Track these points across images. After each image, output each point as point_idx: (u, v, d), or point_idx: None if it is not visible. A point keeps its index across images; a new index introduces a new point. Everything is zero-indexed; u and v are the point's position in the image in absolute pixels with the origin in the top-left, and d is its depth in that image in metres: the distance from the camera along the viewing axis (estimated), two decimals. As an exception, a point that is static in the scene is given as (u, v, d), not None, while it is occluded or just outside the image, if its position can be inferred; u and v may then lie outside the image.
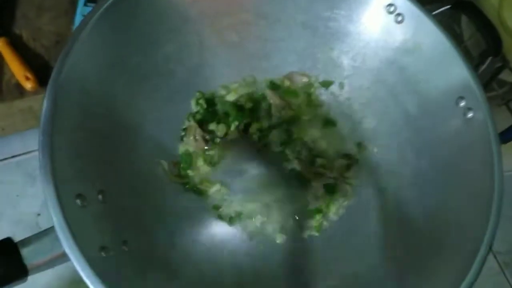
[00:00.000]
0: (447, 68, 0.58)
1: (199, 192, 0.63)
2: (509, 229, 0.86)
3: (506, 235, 0.87)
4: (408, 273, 0.54)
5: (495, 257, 0.87)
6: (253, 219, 0.63)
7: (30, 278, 0.75)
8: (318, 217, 0.64)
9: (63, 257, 0.44)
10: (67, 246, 0.43)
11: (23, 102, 0.73)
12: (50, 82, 0.48)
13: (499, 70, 0.72)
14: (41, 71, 0.73)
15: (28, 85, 0.72)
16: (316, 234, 0.63)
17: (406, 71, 0.62)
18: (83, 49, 0.51)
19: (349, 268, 0.58)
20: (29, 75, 0.72)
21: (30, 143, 0.85)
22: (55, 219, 0.44)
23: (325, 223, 0.64)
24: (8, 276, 0.44)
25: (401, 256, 0.56)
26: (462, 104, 0.57)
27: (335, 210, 0.65)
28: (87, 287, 0.75)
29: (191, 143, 0.63)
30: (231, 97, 0.66)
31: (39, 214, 0.79)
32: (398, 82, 0.63)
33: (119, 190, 0.52)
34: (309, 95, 0.68)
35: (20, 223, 0.77)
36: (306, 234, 0.63)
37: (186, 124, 0.65)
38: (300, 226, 0.63)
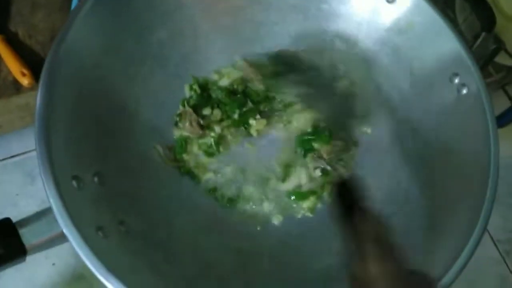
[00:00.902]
0: (440, 45, 0.58)
1: (194, 176, 0.63)
2: (509, 217, 0.86)
3: (506, 223, 0.87)
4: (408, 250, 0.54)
5: (495, 245, 0.86)
6: (250, 202, 0.62)
7: (30, 274, 0.75)
8: (312, 198, 0.63)
9: (61, 237, 0.44)
10: (64, 226, 0.43)
11: (20, 98, 0.73)
12: (45, 65, 0.49)
13: (495, 52, 0.72)
14: (37, 68, 0.73)
15: (25, 81, 0.72)
16: (310, 215, 0.63)
17: (399, 50, 0.62)
18: (78, 34, 0.51)
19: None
20: (25, 71, 0.72)
21: (29, 142, 0.85)
22: (52, 200, 0.44)
23: (319, 204, 0.63)
24: (6, 256, 0.44)
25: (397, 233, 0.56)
26: (456, 80, 0.57)
27: (328, 191, 0.64)
28: (88, 283, 0.75)
29: (186, 128, 0.63)
30: (224, 82, 0.66)
31: (38, 213, 0.79)
32: (391, 62, 0.63)
33: (115, 172, 0.52)
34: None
35: (20, 221, 0.78)
36: (301, 214, 0.62)
37: (181, 109, 0.65)
38: (295, 207, 0.62)
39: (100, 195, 0.49)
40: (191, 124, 0.62)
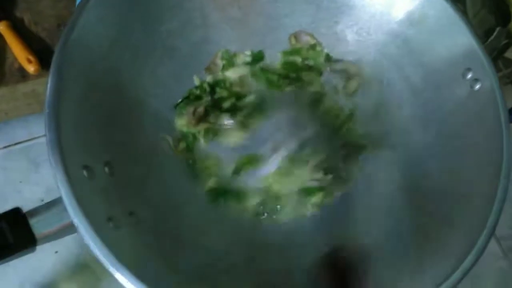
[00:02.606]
0: (453, 39, 0.57)
1: (203, 168, 0.63)
2: (512, 214, 0.86)
3: (509, 220, 0.87)
4: (414, 246, 0.54)
5: (498, 242, 0.86)
6: (257, 196, 0.62)
7: (33, 262, 0.75)
8: (319, 194, 0.63)
9: (71, 228, 0.44)
10: (75, 216, 0.43)
11: (26, 85, 0.73)
12: (55, 54, 0.48)
13: (505, 47, 0.72)
14: (43, 55, 0.73)
15: (31, 68, 0.71)
16: (317, 211, 0.62)
17: (411, 43, 0.62)
18: (87, 24, 0.51)
19: (356, 240, 0.58)
20: (31, 58, 0.71)
21: (34, 129, 0.85)
22: (63, 189, 0.43)
23: (327, 199, 0.63)
24: (17, 245, 0.44)
25: (407, 227, 0.56)
26: (469, 76, 0.57)
27: (336, 187, 0.64)
28: (91, 271, 0.75)
29: (190, 119, 0.63)
30: (231, 74, 0.66)
31: (42, 200, 0.79)
32: (403, 55, 0.63)
33: (125, 163, 0.52)
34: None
35: (24, 209, 0.77)
36: (309, 209, 0.62)
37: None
38: (303, 202, 0.62)
39: (110, 186, 0.49)
40: (195, 114, 0.62)
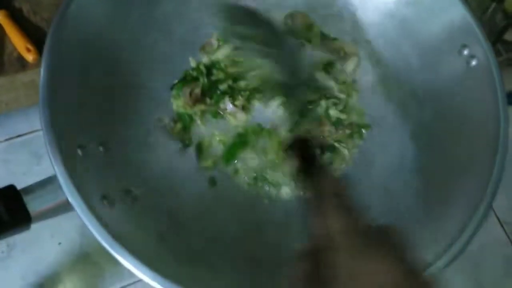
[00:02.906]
0: (449, 16, 0.57)
1: (199, 149, 0.63)
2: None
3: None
4: (413, 221, 0.54)
5: (502, 227, 0.86)
6: (256, 175, 0.62)
7: (37, 254, 0.75)
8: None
9: (66, 206, 0.44)
10: (69, 193, 0.43)
11: (25, 75, 0.73)
12: (50, 34, 0.48)
13: (505, 28, 0.71)
14: (42, 44, 0.73)
15: (30, 57, 0.72)
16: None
17: (407, 22, 0.62)
18: (83, 3, 0.51)
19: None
20: (30, 47, 0.72)
21: (35, 122, 0.85)
22: (57, 167, 0.44)
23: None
24: (11, 222, 0.44)
25: (406, 204, 0.56)
26: (465, 52, 0.56)
27: (335, 167, 0.64)
28: (93, 262, 0.75)
29: (186, 100, 0.63)
30: (219, 54, 0.66)
31: (45, 192, 0.79)
32: (399, 35, 0.63)
33: (120, 142, 0.52)
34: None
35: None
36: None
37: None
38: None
39: (105, 164, 0.49)
40: (191, 96, 0.62)
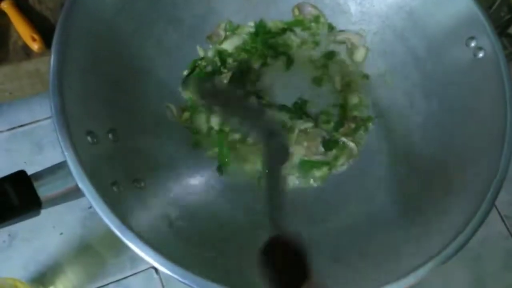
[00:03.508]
0: (456, 7, 0.58)
1: (204, 137, 0.63)
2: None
3: (516, 199, 0.88)
4: (419, 210, 0.54)
5: (503, 221, 0.86)
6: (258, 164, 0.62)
7: (38, 244, 0.75)
8: (324, 169, 0.63)
9: (76, 191, 0.44)
10: (79, 179, 0.43)
11: (30, 64, 0.73)
12: (60, 22, 0.48)
13: (508, 22, 0.72)
14: (47, 34, 0.73)
15: (35, 46, 0.71)
16: (321, 184, 0.63)
17: (414, 14, 0.62)
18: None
19: (360, 209, 0.58)
20: (35, 36, 0.72)
21: (37, 112, 0.85)
22: (67, 153, 0.44)
23: (333, 171, 0.64)
24: (22, 207, 0.44)
25: (413, 194, 0.56)
26: (473, 44, 0.57)
27: (342, 162, 0.64)
28: (95, 252, 0.75)
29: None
30: (228, 45, 0.66)
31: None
32: (406, 27, 0.63)
33: (128, 130, 0.53)
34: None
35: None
36: (314, 181, 0.62)
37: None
38: (307, 174, 0.62)
39: (114, 151, 0.49)
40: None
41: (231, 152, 0.62)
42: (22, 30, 0.72)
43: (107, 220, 0.42)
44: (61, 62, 0.47)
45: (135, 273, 0.75)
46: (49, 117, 0.83)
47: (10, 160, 0.81)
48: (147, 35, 0.59)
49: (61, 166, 0.45)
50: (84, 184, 0.43)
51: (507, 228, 0.86)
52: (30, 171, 0.80)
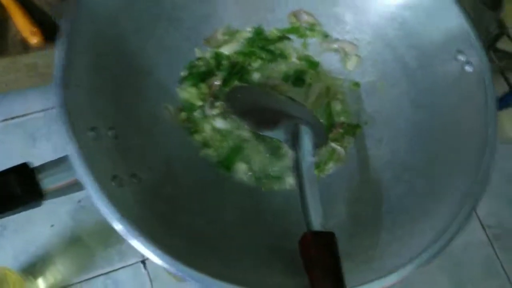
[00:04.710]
0: (446, 21, 0.60)
1: (201, 138, 0.65)
2: (499, 205, 0.89)
3: (496, 210, 0.90)
4: (404, 213, 0.56)
5: (484, 230, 0.89)
6: (255, 166, 0.64)
7: (29, 235, 0.76)
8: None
9: (77, 184, 0.45)
10: (81, 172, 0.44)
11: (28, 57, 0.74)
12: (64, 18, 0.49)
13: (498, 37, 0.74)
14: (46, 28, 0.74)
15: (34, 40, 0.72)
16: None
17: (406, 25, 0.64)
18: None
19: (345, 210, 0.60)
20: (35, 30, 0.73)
21: (32, 104, 0.86)
22: (70, 147, 0.45)
23: (321, 175, 0.65)
24: (24, 198, 0.45)
25: (398, 197, 0.59)
26: (461, 57, 0.59)
27: (331, 166, 0.66)
28: (84, 245, 0.76)
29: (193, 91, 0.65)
30: (226, 50, 0.68)
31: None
32: (397, 36, 0.65)
33: (128, 128, 0.54)
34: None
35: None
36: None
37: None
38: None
39: (114, 148, 0.51)
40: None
41: (234, 152, 0.63)
42: (22, 24, 0.73)
43: (107, 213, 0.43)
44: (66, 59, 0.48)
45: (123, 267, 0.77)
46: (44, 110, 0.84)
47: (4, 151, 0.83)
48: (148, 34, 0.60)
49: (63, 159, 0.46)
50: (86, 177, 0.44)
51: (488, 237, 0.88)
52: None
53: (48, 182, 0.46)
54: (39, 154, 0.82)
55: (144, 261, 0.77)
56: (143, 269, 0.77)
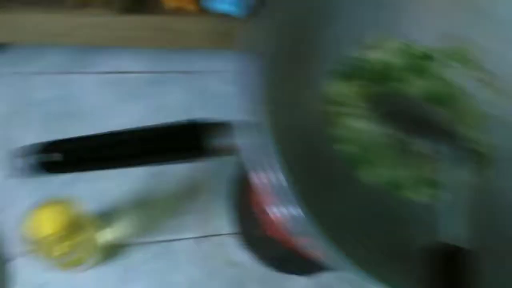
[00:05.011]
0: None
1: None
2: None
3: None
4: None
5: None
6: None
7: (108, 185, 0.78)
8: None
9: (235, 150, 0.48)
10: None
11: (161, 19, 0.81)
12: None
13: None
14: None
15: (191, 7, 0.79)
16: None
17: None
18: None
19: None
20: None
21: (125, 64, 0.92)
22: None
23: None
24: (189, 150, 0.48)
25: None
26: None
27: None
28: (156, 209, 0.76)
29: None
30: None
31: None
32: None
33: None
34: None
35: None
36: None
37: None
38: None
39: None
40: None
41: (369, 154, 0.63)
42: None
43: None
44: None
45: (181, 239, 0.79)
46: (137, 72, 0.90)
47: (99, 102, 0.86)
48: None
49: (227, 124, 0.49)
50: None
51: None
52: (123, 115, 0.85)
53: (213, 141, 0.48)
54: (128, 113, 0.86)
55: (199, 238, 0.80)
56: (196, 247, 0.79)
